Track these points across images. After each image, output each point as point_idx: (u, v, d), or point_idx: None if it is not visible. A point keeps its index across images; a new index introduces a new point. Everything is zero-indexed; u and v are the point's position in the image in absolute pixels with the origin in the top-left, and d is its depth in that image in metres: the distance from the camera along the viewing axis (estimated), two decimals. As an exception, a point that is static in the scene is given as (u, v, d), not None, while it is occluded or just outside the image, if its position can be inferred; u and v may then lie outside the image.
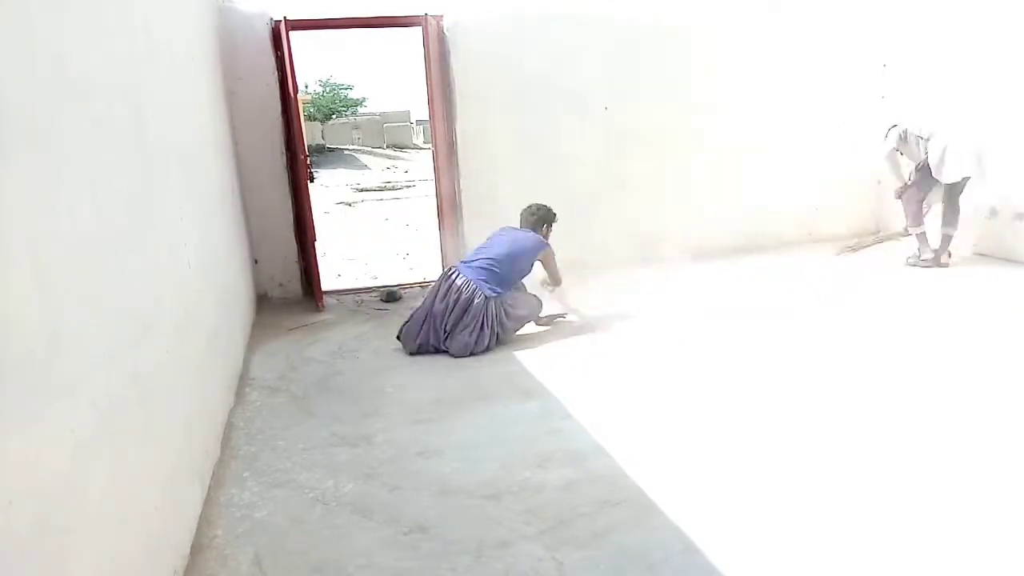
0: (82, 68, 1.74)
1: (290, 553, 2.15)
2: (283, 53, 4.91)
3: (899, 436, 2.65)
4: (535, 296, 4.22)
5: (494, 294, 3.88)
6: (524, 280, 4.24)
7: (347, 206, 13.20)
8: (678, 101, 5.73)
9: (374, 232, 9.31)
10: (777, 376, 3.31)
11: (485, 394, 3.32)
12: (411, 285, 5.58)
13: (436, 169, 5.28)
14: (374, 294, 5.35)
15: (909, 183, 5.19)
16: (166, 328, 2.25)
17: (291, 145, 5.14)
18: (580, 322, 4.32)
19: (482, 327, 3.84)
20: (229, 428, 3.06)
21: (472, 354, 3.83)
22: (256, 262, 5.25)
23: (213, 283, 3.30)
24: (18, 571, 1.13)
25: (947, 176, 4.94)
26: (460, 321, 3.83)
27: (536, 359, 3.72)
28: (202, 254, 3.07)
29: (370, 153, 25.88)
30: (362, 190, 16.37)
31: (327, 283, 5.42)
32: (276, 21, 4.95)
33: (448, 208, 5.39)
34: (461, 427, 2.98)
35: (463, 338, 3.82)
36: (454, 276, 3.96)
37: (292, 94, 4.98)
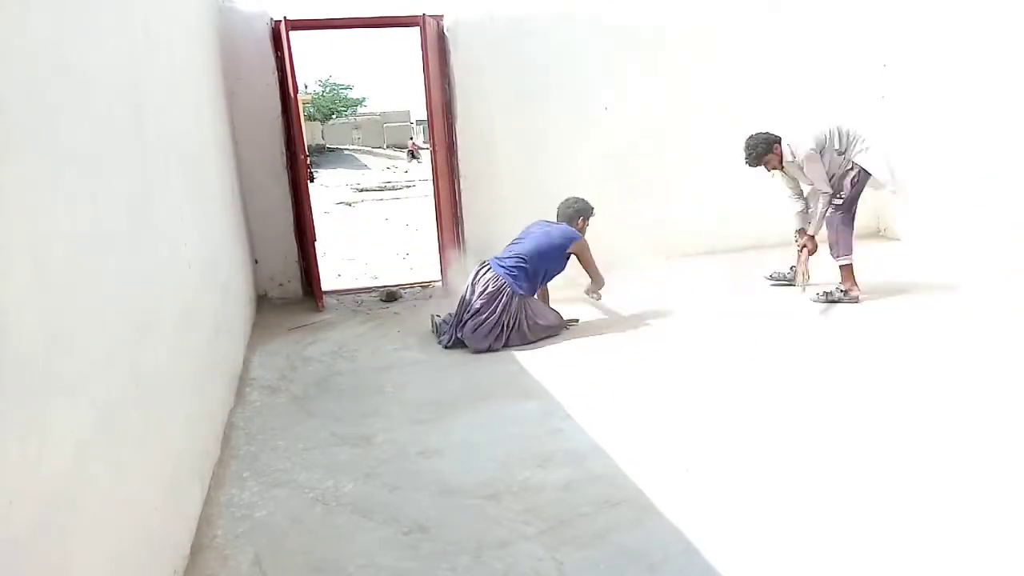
0: (82, 68, 1.74)
1: (290, 553, 2.15)
2: (283, 53, 4.91)
3: (898, 437, 2.65)
4: (556, 311, 4.20)
5: (521, 292, 3.91)
6: (560, 276, 4.22)
7: (347, 206, 13.20)
8: (678, 101, 5.73)
9: (374, 232, 9.31)
10: (776, 377, 3.31)
11: (485, 394, 3.32)
12: (411, 285, 5.58)
13: (435, 169, 5.27)
14: (374, 294, 5.35)
15: (840, 204, 4.26)
16: (166, 328, 2.25)
17: (291, 145, 5.14)
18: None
19: (503, 325, 3.86)
20: (229, 428, 3.06)
21: (490, 349, 3.86)
22: (256, 262, 5.25)
23: (213, 283, 3.30)
24: (18, 571, 1.13)
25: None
26: (482, 312, 3.84)
27: (536, 359, 3.72)
28: (202, 254, 3.07)
29: (370, 153, 25.87)
30: (362, 190, 16.37)
31: (327, 283, 5.42)
32: (276, 21, 4.95)
33: (447, 208, 5.38)
34: (461, 427, 2.98)
35: (483, 331, 3.83)
36: (484, 272, 4.00)
37: (292, 94, 4.98)
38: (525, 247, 4.06)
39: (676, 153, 5.82)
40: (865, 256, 5.61)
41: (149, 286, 2.13)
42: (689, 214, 5.91)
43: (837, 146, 4.29)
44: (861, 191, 4.31)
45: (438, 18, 5.23)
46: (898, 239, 6.14)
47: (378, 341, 4.22)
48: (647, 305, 4.60)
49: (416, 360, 3.86)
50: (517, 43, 5.41)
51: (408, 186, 16.77)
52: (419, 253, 7.04)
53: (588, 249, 4.15)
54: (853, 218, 4.35)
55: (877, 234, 6.37)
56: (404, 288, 5.47)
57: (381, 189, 16.50)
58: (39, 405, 1.27)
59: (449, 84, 5.35)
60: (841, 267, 4.33)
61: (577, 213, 4.26)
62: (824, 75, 5.98)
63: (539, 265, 4.02)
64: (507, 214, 5.54)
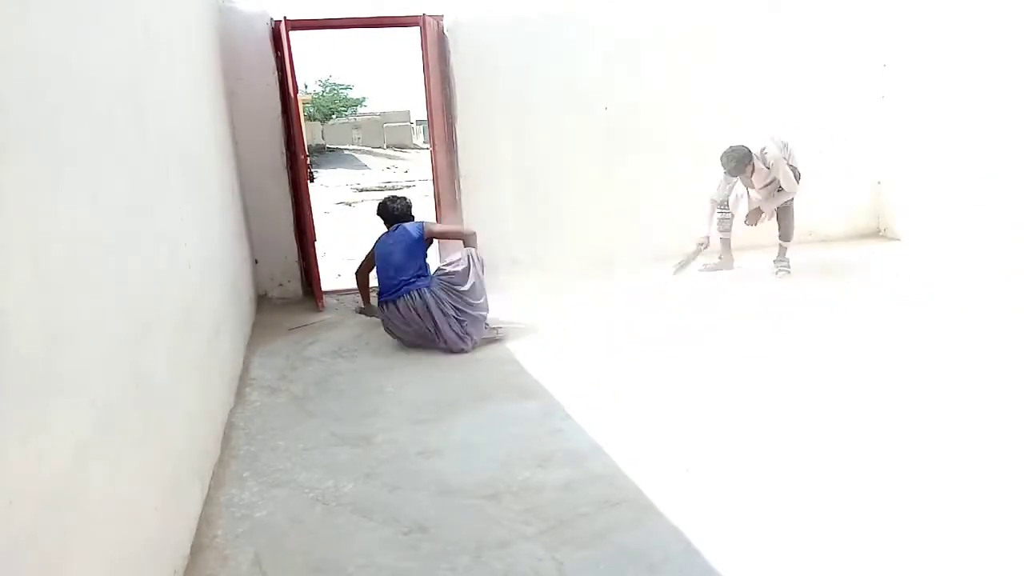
0: (82, 68, 1.74)
1: (290, 553, 2.15)
2: (283, 53, 4.91)
3: (898, 437, 2.65)
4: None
5: (427, 283, 3.93)
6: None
7: (347, 206, 13.18)
8: (678, 101, 5.74)
9: (374, 232, 9.30)
10: (776, 377, 3.31)
11: (485, 394, 3.32)
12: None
13: (434, 169, 5.27)
14: (374, 294, 5.34)
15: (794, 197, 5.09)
16: (166, 328, 2.25)
17: (291, 145, 5.14)
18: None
19: (455, 316, 3.88)
20: (229, 428, 3.06)
21: (461, 348, 3.88)
22: (256, 262, 5.25)
23: (213, 283, 3.30)
24: (18, 571, 1.13)
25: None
26: (436, 322, 3.86)
27: (535, 359, 3.72)
28: (202, 254, 3.07)
29: (370, 153, 25.84)
30: (362, 190, 16.35)
31: (327, 283, 5.41)
32: (276, 21, 4.95)
33: (447, 209, 5.38)
34: (461, 427, 2.98)
35: (450, 334, 3.86)
36: (397, 305, 3.94)
37: (292, 94, 4.98)
38: (399, 260, 4.01)
39: (676, 153, 5.81)
40: (865, 256, 5.63)
41: (149, 286, 2.12)
42: (689, 214, 5.90)
43: (785, 153, 5.07)
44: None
45: (438, 18, 5.23)
46: (898, 239, 6.15)
47: (378, 341, 4.22)
48: (646, 305, 4.60)
49: (416, 360, 3.86)
50: (517, 43, 5.41)
51: (408, 186, 16.75)
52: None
53: (434, 223, 4.23)
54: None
55: (877, 234, 6.37)
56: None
57: (381, 189, 16.47)
58: (39, 405, 1.27)
59: (449, 84, 5.35)
60: (786, 247, 5.25)
61: (408, 209, 4.29)
62: (824, 75, 5.98)
63: (419, 263, 4.04)
64: (507, 214, 5.56)
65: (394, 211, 4.26)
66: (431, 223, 4.25)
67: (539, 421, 2.98)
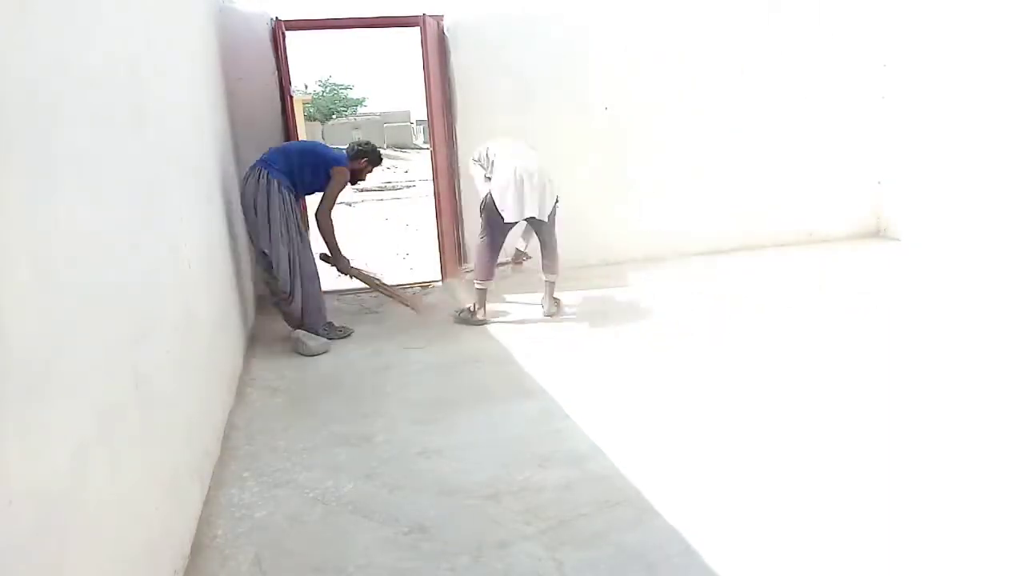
0: (82, 68, 1.74)
1: (290, 553, 2.15)
2: (281, 53, 4.91)
3: (898, 437, 2.66)
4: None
5: (279, 177, 4.04)
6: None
7: (347, 206, 13.18)
8: (678, 101, 5.74)
9: (374, 232, 9.31)
10: (776, 377, 3.31)
11: (485, 394, 3.32)
12: (411, 285, 5.58)
13: (435, 169, 5.27)
14: (374, 294, 5.34)
15: (481, 229, 4.34)
16: (166, 328, 2.25)
17: (290, 145, 5.14)
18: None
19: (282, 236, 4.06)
20: (229, 428, 3.06)
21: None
22: (256, 262, 5.24)
23: (213, 283, 3.30)
24: (18, 571, 1.13)
25: (508, 215, 4.10)
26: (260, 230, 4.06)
27: (536, 359, 3.72)
28: (202, 254, 3.07)
29: (370, 153, 25.83)
30: (362, 190, 16.32)
31: (327, 283, 5.40)
32: (277, 21, 4.95)
33: (447, 208, 5.38)
34: (461, 427, 2.98)
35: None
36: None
37: (288, 94, 4.98)
38: (294, 146, 4.28)
39: (676, 152, 5.82)
40: (864, 256, 5.63)
41: (149, 286, 2.12)
42: (689, 214, 5.92)
43: (485, 167, 4.34)
44: (499, 223, 4.18)
45: (438, 18, 5.23)
46: (897, 239, 6.15)
47: (378, 341, 4.22)
48: (647, 305, 4.60)
49: (417, 360, 3.86)
50: (517, 43, 5.41)
51: (408, 186, 16.74)
52: (419, 253, 7.04)
53: (341, 184, 4.21)
54: (495, 246, 4.31)
55: (876, 234, 6.37)
56: (404, 288, 5.46)
57: (381, 189, 16.47)
58: (39, 405, 1.27)
59: (449, 84, 5.35)
60: (476, 289, 4.40)
61: (361, 154, 4.36)
62: (824, 75, 5.98)
63: (301, 164, 4.12)
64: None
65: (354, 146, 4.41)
66: (343, 173, 4.20)
67: (539, 421, 2.98)
